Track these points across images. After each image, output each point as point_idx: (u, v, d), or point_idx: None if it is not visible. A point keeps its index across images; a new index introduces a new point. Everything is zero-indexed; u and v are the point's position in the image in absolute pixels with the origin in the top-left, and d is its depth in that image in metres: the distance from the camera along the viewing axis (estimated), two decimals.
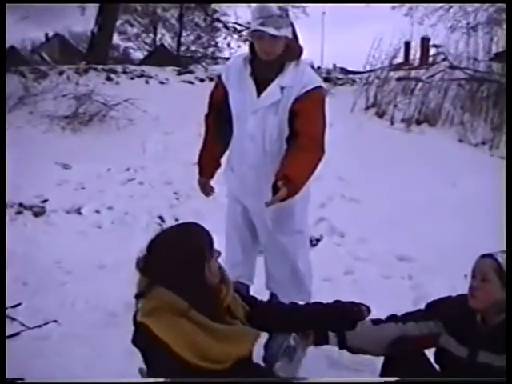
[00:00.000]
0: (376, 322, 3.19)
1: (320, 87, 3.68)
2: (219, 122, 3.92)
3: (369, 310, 3.05)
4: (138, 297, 2.76)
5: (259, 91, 3.68)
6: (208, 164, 4.12)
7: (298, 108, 3.60)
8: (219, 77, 3.93)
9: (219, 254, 2.83)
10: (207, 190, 4.20)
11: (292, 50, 3.64)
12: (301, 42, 3.75)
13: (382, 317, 3.30)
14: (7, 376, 3.07)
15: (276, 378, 3.07)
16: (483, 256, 2.87)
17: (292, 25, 3.67)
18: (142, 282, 2.74)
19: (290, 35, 3.61)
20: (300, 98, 3.59)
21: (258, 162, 3.76)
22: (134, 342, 2.73)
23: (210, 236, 2.82)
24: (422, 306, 3.30)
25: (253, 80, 3.70)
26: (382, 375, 3.07)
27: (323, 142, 3.64)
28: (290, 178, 3.40)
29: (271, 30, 3.48)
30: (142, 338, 2.68)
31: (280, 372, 3.12)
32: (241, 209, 4.00)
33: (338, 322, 3.03)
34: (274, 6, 3.49)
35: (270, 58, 3.60)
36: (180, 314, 2.66)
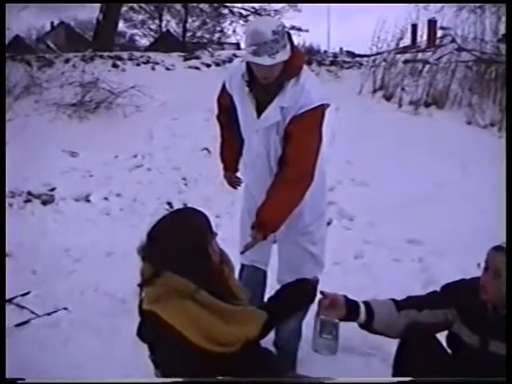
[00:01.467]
0: (399, 307, 3.13)
1: (318, 106, 3.48)
2: (231, 119, 3.85)
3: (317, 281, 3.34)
4: (143, 285, 2.75)
5: (259, 111, 3.56)
6: (230, 158, 4.07)
7: (290, 130, 3.48)
8: (223, 84, 3.84)
9: (216, 234, 2.82)
10: (234, 182, 4.18)
11: (291, 67, 3.46)
12: (300, 48, 3.56)
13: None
14: (20, 362, 3.08)
15: (284, 373, 3.06)
16: (496, 249, 2.82)
17: (290, 37, 3.48)
18: (147, 270, 2.72)
19: (287, 56, 3.40)
20: (295, 119, 3.47)
21: (265, 177, 3.69)
22: (141, 333, 2.73)
23: (208, 218, 2.83)
24: (432, 288, 3.29)
25: (252, 98, 3.58)
26: (395, 359, 3.06)
27: (312, 170, 3.51)
28: (264, 224, 3.42)
29: (265, 61, 3.31)
30: (150, 326, 2.67)
31: (323, 351, 3.03)
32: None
33: (301, 298, 3.18)
34: (268, 32, 3.26)
35: (268, 82, 3.46)
36: (187, 296, 2.65)
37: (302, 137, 3.46)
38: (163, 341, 2.64)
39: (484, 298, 2.84)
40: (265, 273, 4.00)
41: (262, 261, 3.92)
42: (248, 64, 3.50)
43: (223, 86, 3.84)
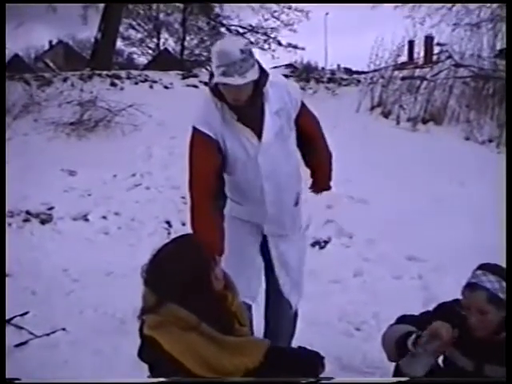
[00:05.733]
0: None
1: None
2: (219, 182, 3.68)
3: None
4: (145, 312, 2.71)
5: (256, 132, 3.48)
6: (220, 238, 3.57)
7: (302, 119, 3.67)
8: (212, 147, 3.48)
9: (220, 259, 2.79)
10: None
11: (262, 86, 3.40)
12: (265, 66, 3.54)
13: (393, 317, 3.25)
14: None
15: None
16: (471, 288, 2.79)
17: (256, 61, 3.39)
18: (150, 298, 2.69)
19: (257, 75, 3.33)
20: (301, 112, 3.64)
21: (276, 198, 3.61)
22: (141, 355, 2.71)
23: None
24: (433, 306, 3.27)
25: (242, 125, 3.47)
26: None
27: None
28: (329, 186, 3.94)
29: (236, 80, 3.24)
30: (150, 351, 2.65)
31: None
32: (248, 228, 3.81)
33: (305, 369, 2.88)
34: (236, 51, 3.21)
35: (241, 104, 3.38)
36: (190, 328, 2.62)
37: (314, 119, 3.78)
38: (162, 366, 2.62)
39: (478, 335, 2.81)
40: (250, 307, 3.68)
41: (251, 296, 3.67)
42: (215, 93, 3.42)
43: (211, 150, 3.49)
